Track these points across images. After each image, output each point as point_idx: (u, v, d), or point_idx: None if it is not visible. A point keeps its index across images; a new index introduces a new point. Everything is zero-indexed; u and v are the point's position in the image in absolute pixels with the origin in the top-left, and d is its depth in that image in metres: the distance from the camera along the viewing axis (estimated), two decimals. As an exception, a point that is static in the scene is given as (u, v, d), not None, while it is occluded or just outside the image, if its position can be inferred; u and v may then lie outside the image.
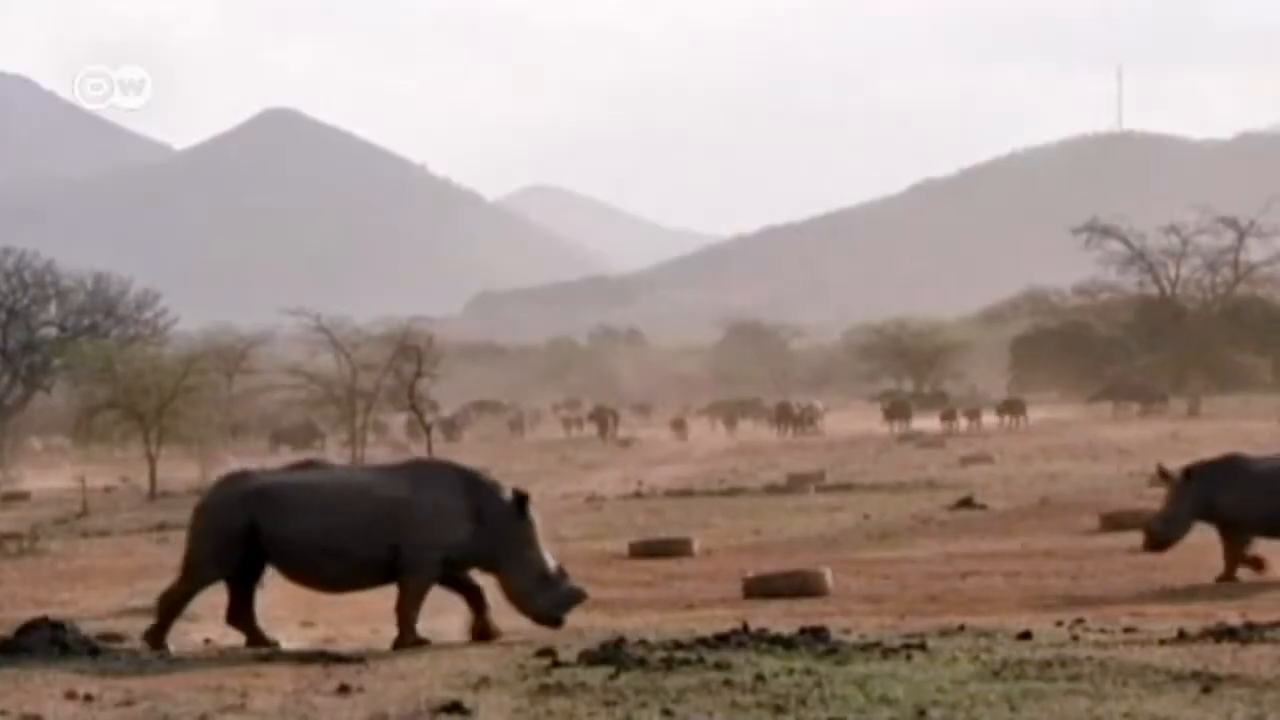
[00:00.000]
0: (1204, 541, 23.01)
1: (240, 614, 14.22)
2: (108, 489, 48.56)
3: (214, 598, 18.83)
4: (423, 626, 14.81)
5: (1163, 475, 19.81)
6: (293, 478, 14.45)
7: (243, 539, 13.99)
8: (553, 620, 13.96)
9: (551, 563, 14.12)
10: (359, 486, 14.21)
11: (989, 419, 68.94)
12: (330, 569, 14.10)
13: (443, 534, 13.88)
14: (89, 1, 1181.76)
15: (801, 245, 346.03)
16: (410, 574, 13.92)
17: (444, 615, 16.25)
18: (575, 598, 14.12)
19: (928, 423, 68.22)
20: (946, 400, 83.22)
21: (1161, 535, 18.98)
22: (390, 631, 14.23)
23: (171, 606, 14.15)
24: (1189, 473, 19.05)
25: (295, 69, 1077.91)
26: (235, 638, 14.36)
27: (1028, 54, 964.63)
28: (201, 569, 14.19)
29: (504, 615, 14.68)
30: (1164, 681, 10.25)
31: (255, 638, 14.02)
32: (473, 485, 14.17)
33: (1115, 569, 19.50)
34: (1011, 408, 69.55)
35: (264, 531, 13.97)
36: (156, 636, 13.91)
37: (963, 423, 67.83)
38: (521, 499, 14.08)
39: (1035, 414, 72.19)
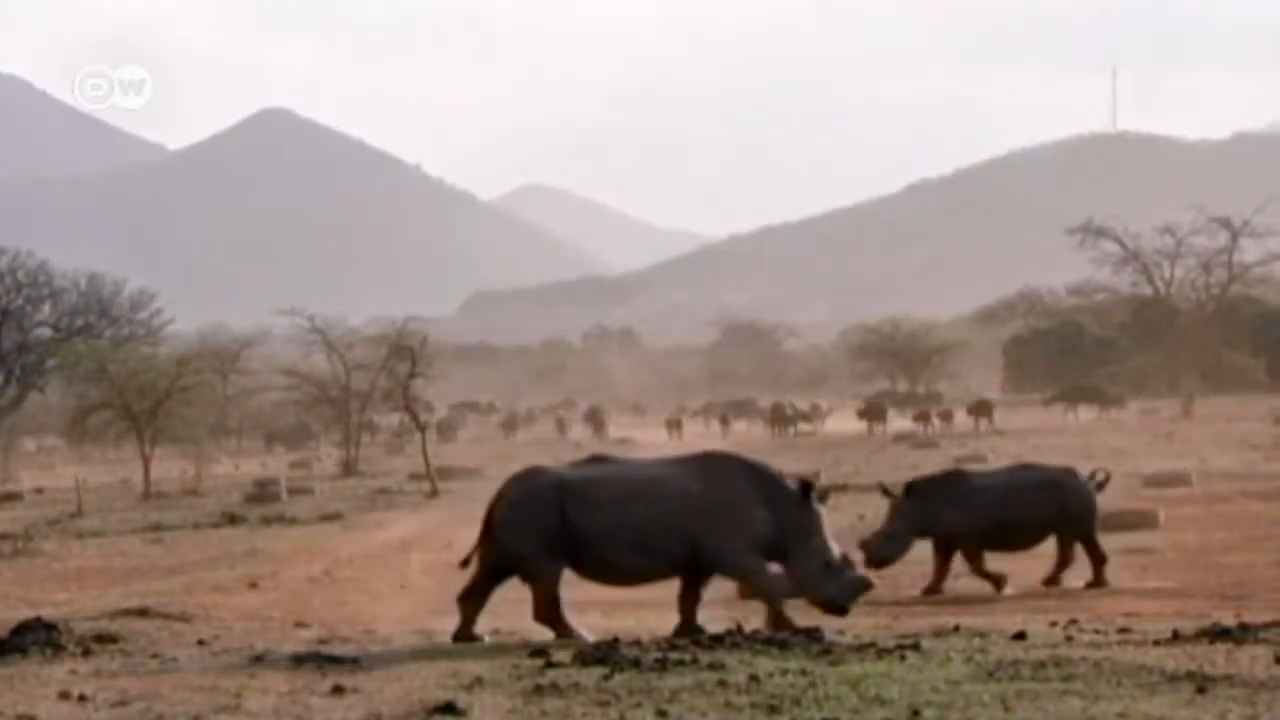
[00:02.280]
0: (1200, 543, 23.07)
1: (474, 599, 14.08)
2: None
3: (208, 598, 18.83)
4: (421, 627, 14.81)
5: (884, 492, 19.93)
6: (595, 472, 14.28)
7: (560, 529, 13.85)
8: (839, 608, 14.04)
9: (836, 551, 14.17)
10: (659, 481, 14.10)
11: (966, 420, 68.96)
12: (634, 564, 14.01)
13: (742, 526, 13.91)
14: (82, 2, 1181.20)
15: (797, 245, 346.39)
16: (725, 569, 13.96)
17: (443, 616, 16.24)
18: (861, 586, 14.17)
19: (906, 423, 68.43)
20: (941, 400, 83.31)
21: (879, 553, 19.03)
22: (384, 631, 14.19)
23: (551, 612, 13.86)
24: (910, 489, 19.20)
25: (290, 70, 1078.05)
26: (229, 639, 14.34)
27: (1023, 55, 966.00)
28: (540, 562, 13.88)
29: (497, 615, 14.68)
30: (1158, 682, 10.25)
31: (467, 634, 13.90)
32: (761, 477, 14.22)
33: (1109, 569, 19.52)
34: (981, 409, 69.48)
35: (571, 524, 13.86)
36: (565, 637, 13.63)
37: (936, 424, 67.90)
38: (807, 487, 14.17)
39: (1032, 415, 72.26)
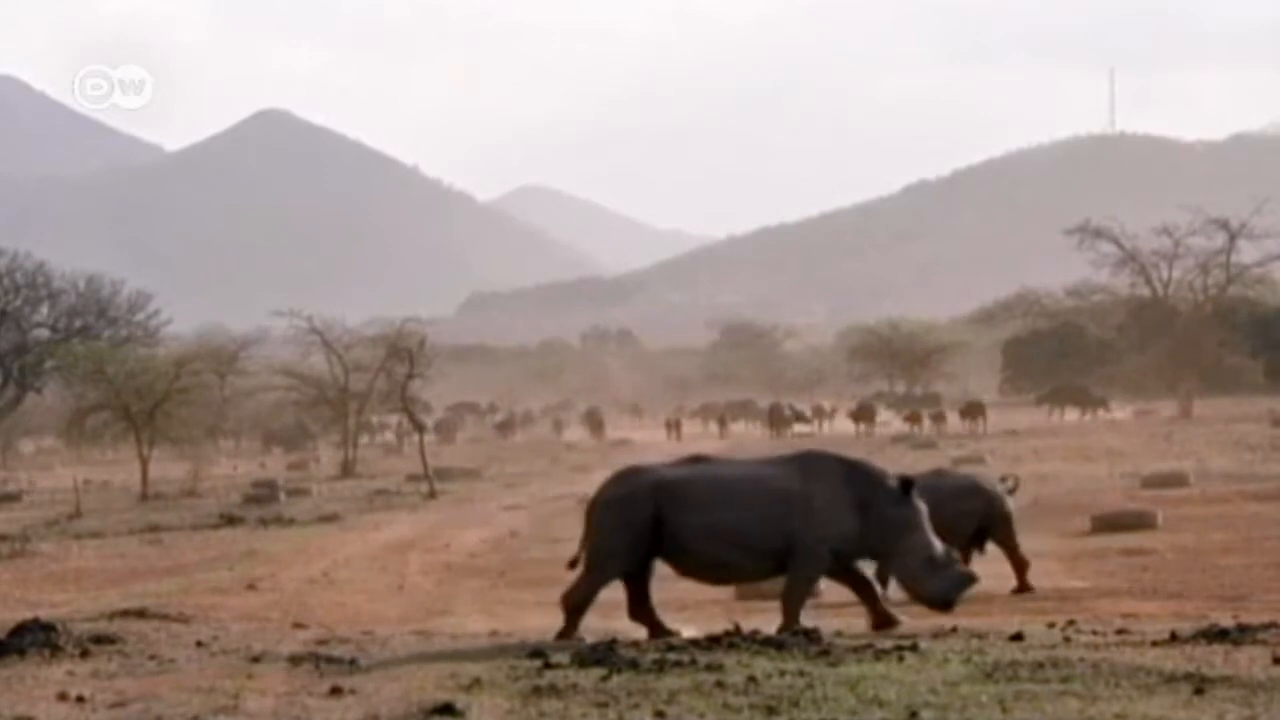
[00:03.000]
0: (1198, 544, 23.09)
1: (642, 608, 14.19)
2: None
3: (206, 599, 18.82)
4: (420, 628, 14.79)
5: None
6: (693, 471, 14.38)
7: (651, 531, 13.95)
8: (944, 604, 14.13)
9: (939, 547, 14.22)
10: (756, 480, 14.22)
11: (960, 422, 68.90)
12: (730, 561, 14.13)
13: (835, 525, 13.98)
14: (82, 2, 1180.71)
15: (794, 246, 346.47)
16: (801, 565, 14.04)
17: (441, 616, 16.25)
18: (965, 581, 14.24)
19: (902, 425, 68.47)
20: (940, 402, 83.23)
21: None
22: (383, 632, 14.18)
23: (579, 604, 14.02)
24: None
25: (288, 70, 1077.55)
26: (227, 640, 14.35)
27: (1021, 56, 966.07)
28: (611, 563, 14.06)
29: (495, 616, 14.67)
30: (1156, 683, 10.25)
31: (658, 630, 13.95)
32: (858, 475, 14.29)
33: (1107, 570, 19.53)
34: (972, 410, 69.41)
35: (667, 524, 13.96)
36: (566, 638, 13.70)
37: (928, 425, 67.90)
38: (907, 484, 14.24)
39: (1029, 416, 72.17)
